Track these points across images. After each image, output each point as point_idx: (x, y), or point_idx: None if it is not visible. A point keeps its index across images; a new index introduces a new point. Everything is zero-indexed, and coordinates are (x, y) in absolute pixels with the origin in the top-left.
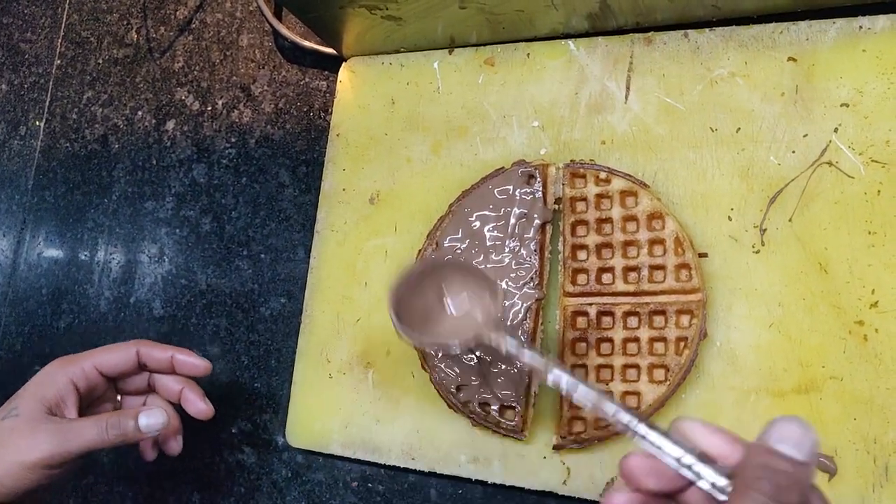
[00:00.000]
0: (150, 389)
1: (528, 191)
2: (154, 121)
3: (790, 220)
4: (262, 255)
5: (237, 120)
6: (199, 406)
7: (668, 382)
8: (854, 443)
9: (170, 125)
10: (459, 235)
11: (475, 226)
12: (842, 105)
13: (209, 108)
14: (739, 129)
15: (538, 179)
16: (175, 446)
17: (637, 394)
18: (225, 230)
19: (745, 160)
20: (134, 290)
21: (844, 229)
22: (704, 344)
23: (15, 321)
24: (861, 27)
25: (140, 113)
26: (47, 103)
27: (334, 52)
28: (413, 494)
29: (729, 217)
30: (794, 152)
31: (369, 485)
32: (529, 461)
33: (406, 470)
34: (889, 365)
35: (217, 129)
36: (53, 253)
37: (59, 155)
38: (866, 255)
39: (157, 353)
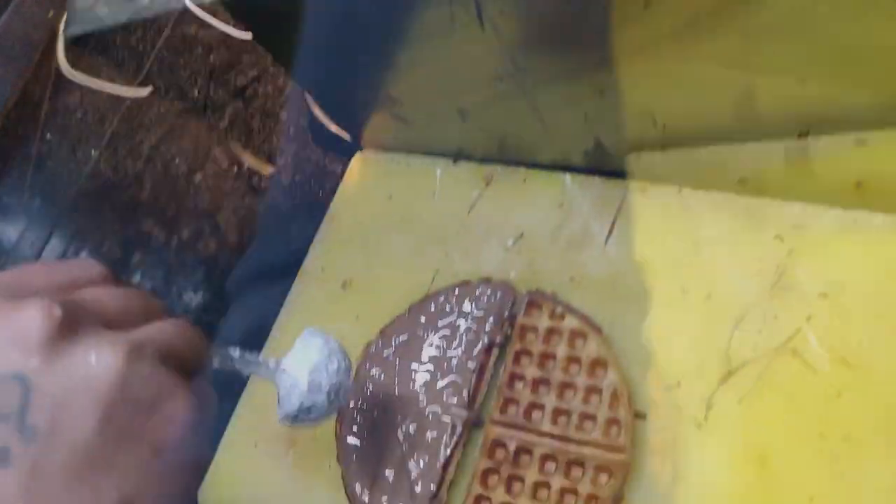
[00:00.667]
0: None
1: (484, 310)
2: (186, 168)
3: (739, 403)
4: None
5: (255, 185)
6: None
7: None
8: None
9: (198, 177)
10: (406, 338)
11: (423, 333)
12: (820, 294)
13: (235, 170)
14: (710, 295)
15: (497, 300)
16: None
17: None
18: (212, 281)
19: (709, 330)
20: None
21: (793, 426)
22: None
23: None
24: (856, 220)
25: (177, 160)
26: (107, 136)
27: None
28: None
29: (678, 383)
30: (760, 332)
31: None
32: None
33: None
34: None
35: (235, 188)
36: None
37: (99, 182)
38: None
39: None
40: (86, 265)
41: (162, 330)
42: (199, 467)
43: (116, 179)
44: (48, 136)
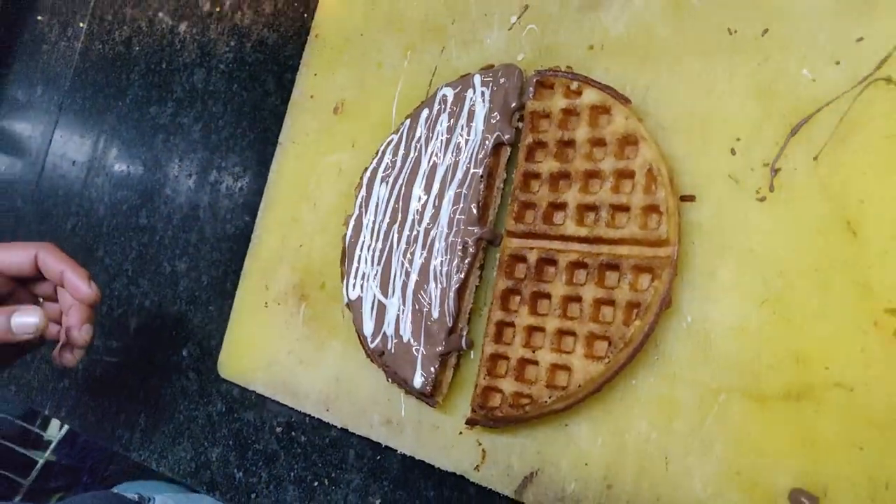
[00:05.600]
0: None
1: (488, 103)
2: (171, 22)
3: (815, 159)
4: (236, 168)
5: (239, 22)
6: (83, 290)
7: (607, 360)
8: (854, 483)
9: (182, 27)
10: (402, 153)
11: (422, 142)
12: None
13: (217, 10)
14: (767, 30)
15: (501, 89)
16: (69, 358)
17: (567, 369)
18: (210, 140)
19: (768, 74)
20: (128, 198)
21: (893, 177)
22: (669, 316)
23: (35, 219)
24: None
25: (161, 14)
26: (91, 4)
27: None
28: (332, 452)
29: (732, 150)
30: (838, 63)
31: (293, 433)
32: (443, 434)
33: (329, 424)
34: None
35: (221, 31)
36: (73, 156)
37: (93, 57)
38: None
39: (53, 263)
40: None
41: None
42: None
43: None
44: None
